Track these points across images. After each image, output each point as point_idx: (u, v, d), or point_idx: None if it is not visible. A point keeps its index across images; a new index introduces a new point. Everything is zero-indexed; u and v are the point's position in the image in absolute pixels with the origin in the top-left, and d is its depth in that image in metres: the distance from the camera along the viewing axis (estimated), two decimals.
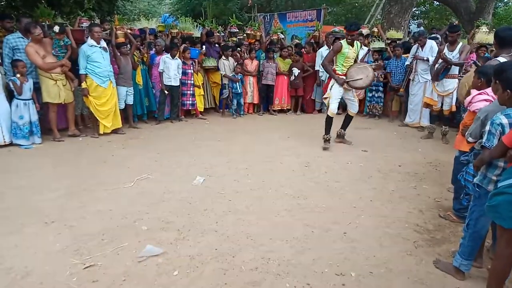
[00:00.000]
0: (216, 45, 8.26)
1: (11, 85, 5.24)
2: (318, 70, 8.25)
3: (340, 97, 5.58)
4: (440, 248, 2.90)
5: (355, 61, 5.53)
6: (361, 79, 5.35)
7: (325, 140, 5.61)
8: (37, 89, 5.57)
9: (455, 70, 5.92)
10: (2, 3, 7.94)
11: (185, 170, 4.53)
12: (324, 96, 5.77)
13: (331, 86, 5.54)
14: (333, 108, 5.51)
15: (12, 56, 5.41)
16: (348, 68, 5.43)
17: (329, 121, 5.62)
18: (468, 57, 6.35)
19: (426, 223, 3.30)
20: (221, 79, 8.15)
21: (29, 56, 5.31)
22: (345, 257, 2.72)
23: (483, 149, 2.32)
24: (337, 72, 5.47)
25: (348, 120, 5.88)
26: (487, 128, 2.26)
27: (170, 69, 6.97)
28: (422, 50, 6.74)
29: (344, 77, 5.41)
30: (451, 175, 3.50)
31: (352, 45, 5.38)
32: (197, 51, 7.65)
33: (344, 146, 5.75)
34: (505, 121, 2.18)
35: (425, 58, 6.62)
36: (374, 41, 8.18)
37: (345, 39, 5.47)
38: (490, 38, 6.75)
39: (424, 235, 3.09)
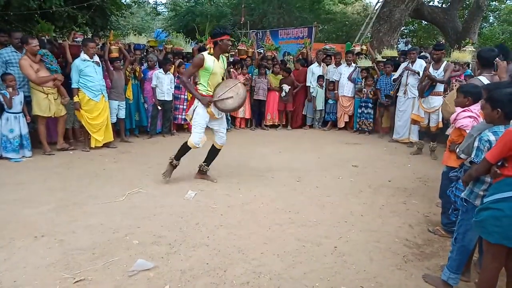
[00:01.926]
0: None
1: (1, 99, 5.23)
2: (309, 86, 8.39)
3: (206, 125, 4.45)
4: (429, 263, 2.94)
5: (223, 78, 4.55)
6: (231, 97, 4.34)
7: (172, 165, 4.56)
8: (28, 102, 5.56)
9: (440, 87, 6.07)
10: None
11: (176, 184, 4.53)
12: (187, 113, 4.58)
13: (194, 109, 4.38)
14: (195, 140, 4.37)
15: (5, 70, 5.41)
16: (215, 88, 4.38)
17: (186, 149, 4.49)
18: (460, 75, 6.57)
19: (415, 238, 3.35)
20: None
21: (23, 69, 5.33)
22: (336, 271, 2.74)
23: (472, 164, 2.40)
24: (201, 93, 4.34)
25: (213, 153, 4.72)
26: (476, 144, 2.36)
27: (163, 84, 7.04)
28: (412, 66, 6.90)
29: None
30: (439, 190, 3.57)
31: (218, 58, 4.36)
32: None
33: (335, 162, 5.80)
34: (492, 138, 2.26)
35: (416, 71, 6.76)
36: (362, 59, 8.36)
37: (208, 50, 4.35)
38: (462, 56, 7.05)
39: (413, 250, 3.13)
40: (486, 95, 2.40)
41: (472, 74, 6.56)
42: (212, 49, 4.27)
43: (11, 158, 5.29)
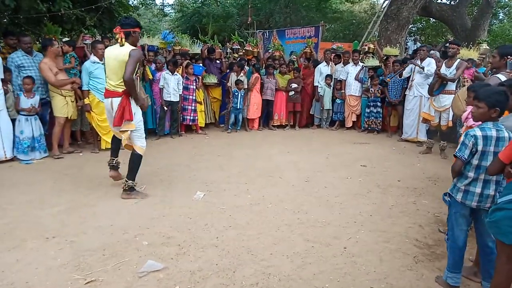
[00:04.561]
0: (217, 61, 8.37)
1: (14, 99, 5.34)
2: (317, 86, 8.36)
3: None
4: (440, 263, 2.90)
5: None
6: (144, 96, 4.22)
7: (133, 187, 4.07)
8: (44, 104, 5.69)
9: (451, 86, 5.99)
10: (5, 20, 8.06)
11: (185, 185, 4.54)
12: (124, 129, 3.89)
13: (135, 113, 3.93)
14: (144, 144, 4.08)
15: (18, 74, 5.49)
16: None
17: (139, 161, 4.08)
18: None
19: (426, 238, 3.31)
20: (222, 95, 8.24)
21: (43, 72, 5.45)
22: (346, 272, 2.73)
23: (455, 158, 2.45)
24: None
25: (119, 145, 4.32)
26: (462, 138, 2.40)
27: (170, 84, 7.07)
28: (420, 63, 6.81)
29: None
30: None
31: None
32: (200, 68, 7.75)
33: (343, 162, 5.77)
34: (479, 133, 2.32)
35: (420, 66, 6.69)
36: (369, 58, 8.29)
37: (127, 43, 3.83)
38: (468, 54, 6.98)
39: (424, 250, 3.10)
40: (479, 94, 2.42)
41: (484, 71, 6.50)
42: (123, 39, 3.78)
43: (22, 160, 5.36)
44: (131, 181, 4.04)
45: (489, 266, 2.43)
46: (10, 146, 5.34)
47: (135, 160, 4.07)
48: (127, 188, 4.04)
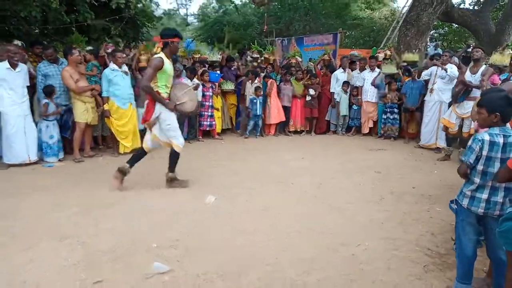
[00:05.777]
0: (232, 68, 8.47)
1: (41, 107, 5.66)
2: (333, 92, 8.32)
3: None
4: (451, 273, 2.81)
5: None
6: (189, 101, 4.53)
7: (175, 178, 4.61)
8: (67, 110, 5.99)
9: (476, 92, 5.81)
10: (36, 31, 8.47)
11: (198, 189, 4.59)
12: (149, 122, 4.39)
13: (158, 115, 4.32)
14: (182, 141, 4.54)
15: (45, 83, 5.75)
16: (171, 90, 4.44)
17: (176, 157, 4.58)
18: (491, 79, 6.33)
19: (437, 247, 3.23)
20: (238, 101, 8.32)
21: (64, 79, 5.72)
22: (352, 280, 2.69)
23: (461, 163, 2.43)
24: (164, 97, 4.34)
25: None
26: (469, 143, 2.37)
27: None
28: (441, 69, 6.68)
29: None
30: None
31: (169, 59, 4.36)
32: (216, 75, 7.87)
33: (358, 168, 5.70)
34: (487, 138, 2.29)
35: (444, 67, 6.53)
36: (386, 64, 8.19)
37: (161, 52, 4.25)
38: (501, 59, 6.78)
39: (435, 259, 3.02)
40: (481, 100, 2.43)
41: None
42: (160, 48, 4.25)
43: (45, 163, 5.62)
44: (171, 173, 4.59)
45: (502, 280, 2.34)
46: (34, 149, 5.57)
47: (172, 156, 4.59)
48: (168, 179, 4.60)
